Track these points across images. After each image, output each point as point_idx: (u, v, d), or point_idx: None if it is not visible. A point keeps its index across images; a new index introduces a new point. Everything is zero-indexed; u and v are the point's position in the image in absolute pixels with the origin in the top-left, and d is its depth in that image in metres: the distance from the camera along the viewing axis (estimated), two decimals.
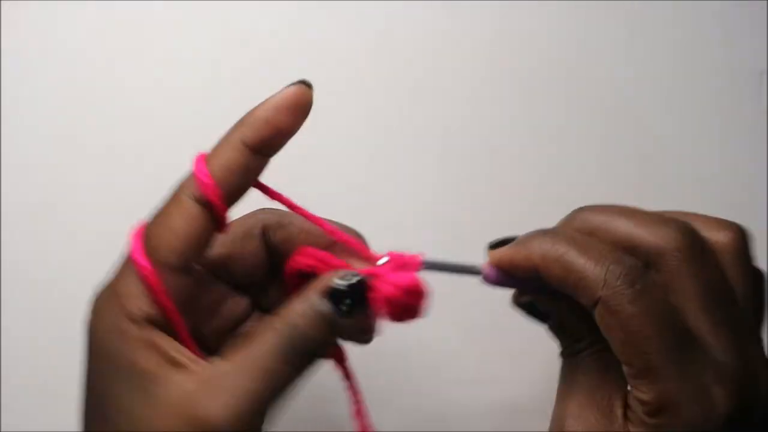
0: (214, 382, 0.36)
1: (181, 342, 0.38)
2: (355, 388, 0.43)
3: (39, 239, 0.58)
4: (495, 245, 0.40)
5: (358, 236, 0.43)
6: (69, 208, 0.58)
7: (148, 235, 0.38)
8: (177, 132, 0.59)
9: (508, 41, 0.62)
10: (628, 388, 0.37)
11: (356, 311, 0.38)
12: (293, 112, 0.39)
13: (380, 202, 0.61)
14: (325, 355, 0.39)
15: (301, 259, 0.40)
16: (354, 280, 0.38)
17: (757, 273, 0.40)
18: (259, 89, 0.60)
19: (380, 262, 0.40)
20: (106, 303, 0.38)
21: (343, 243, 0.41)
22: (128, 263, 0.38)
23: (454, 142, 0.61)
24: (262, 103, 0.39)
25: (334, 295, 0.38)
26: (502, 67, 0.62)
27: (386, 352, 0.58)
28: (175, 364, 0.36)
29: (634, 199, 0.62)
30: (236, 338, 0.42)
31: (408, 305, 0.39)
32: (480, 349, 0.60)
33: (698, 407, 0.35)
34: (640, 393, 0.36)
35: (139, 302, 0.37)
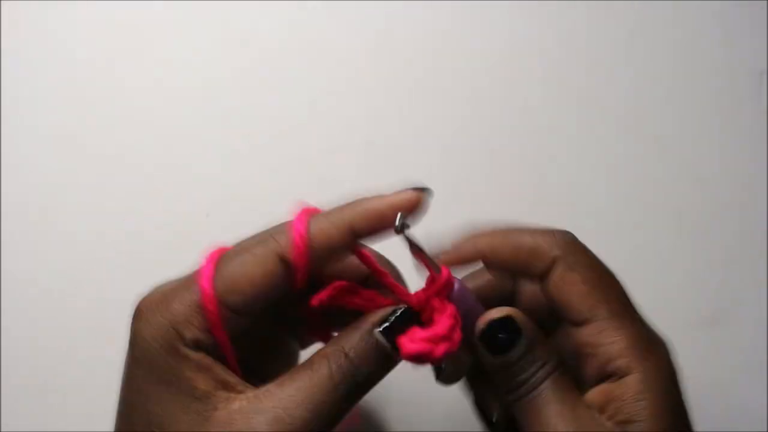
0: (267, 404, 0.36)
1: (231, 370, 0.38)
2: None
3: (39, 240, 0.58)
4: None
5: (396, 273, 0.43)
6: (69, 208, 0.58)
7: (222, 269, 0.38)
8: (177, 132, 0.59)
9: (508, 41, 0.62)
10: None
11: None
12: (404, 213, 0.39)
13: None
14: (374, 385, 0.39)
15: (343, 297, 0.39)
16: (408, 313, 0.39)
17: None
18: (258, 89, 0.60)
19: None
20: (158, 315, 0.37)
21: (385, 284, 0.40)
22: (194, 286, 0.38)
23: (453, 143, 0.61)
24: (382, 197, 0.39)
25: (387, 330, 0.38)
26: (502, 67, 0.62)
27: None
28: (228, 387, 0.37)
29: (634, 199, 0.62)
30: (283, 366, 0.42)
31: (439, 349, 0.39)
32: None
33: (664, 347, 0.39)
34: (607, 344, 0.38)
35: (196, 330, 0.37)
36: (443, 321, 0.39)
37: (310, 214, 0.39)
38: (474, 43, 0.62)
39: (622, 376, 0.38)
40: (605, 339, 0.38)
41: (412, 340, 0.38)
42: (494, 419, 0.42)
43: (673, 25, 0.63)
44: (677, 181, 0.62)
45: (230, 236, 0.40)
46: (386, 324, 0.38)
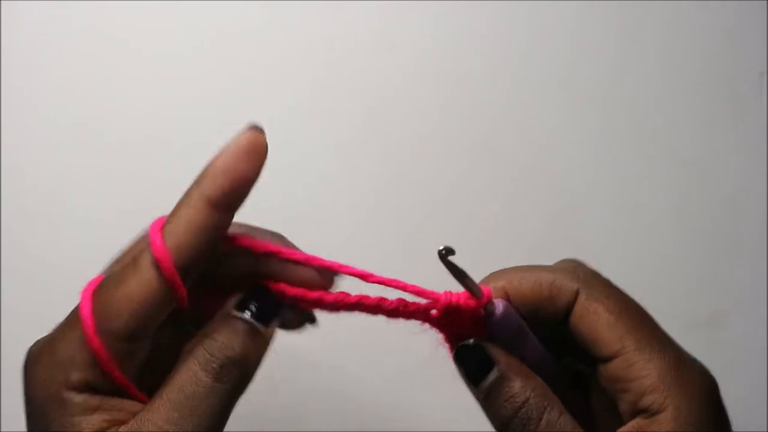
0: (146, 424, 0.35)
1: (131, 396, 0.37)
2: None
3: (39, 239, 0.58)
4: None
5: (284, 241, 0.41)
6: (69, 208, 0.58)
7: (100, 298, 0.36)
8: (177, 132, 0.59)
9: (509, 41, 0.62)
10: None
11: (270, 317, 0.38)
12: (250, 157, 0.37)
13: (380, 202, 0.61)
14: (256, 367, 0.38)
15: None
16: (261, 292, 0.38)
17: None
18: (259, 89, 0.60)
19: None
20: (46, 368, 0.37)
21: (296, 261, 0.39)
22: (74, 324, 0.36)
23: (453, 143, 0.61)
24: (216, 156, 0.37)
25: (244, 304, 0.37)
26: (502, 67, 0.62)
27: (380, 351, 0.58)
28: (116, 423, 0.36)
29: (633, 199, 0.62)
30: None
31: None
32: None
33: (700, 372, 0.37)
34: (637, 379, 0.36)
35: (83, 368, 0.36)
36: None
37: (163, 222, 0.37)
38: (474, 43, 0.62)
39: (655, 413, 0.36)
40: (635, 373, 0.36)
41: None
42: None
43: (673, 25, 0.63)
44: (677, 180, 0.62)
45: None
46: (246, 304, 0.37)
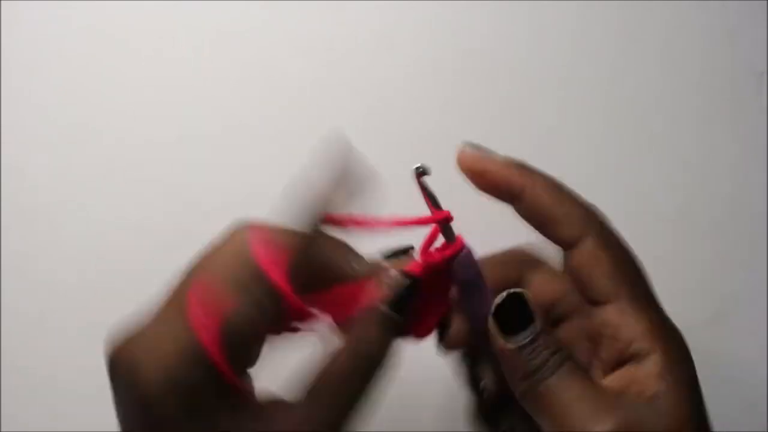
0: (296, 418, 0.36)
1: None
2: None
3: (39, 239, 0.58)
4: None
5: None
6: (69, 208, 0.58)
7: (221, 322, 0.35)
8: (177, 132, 0.59)
9: (508, 41, 0.62)
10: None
11: (406, 303, 0.38)
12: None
13: (380, 202, 0.61)
14: (391, 360, 0.39)
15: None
16: (407, 282, 0.39)
17: None
18: (259, 89, 0.60)
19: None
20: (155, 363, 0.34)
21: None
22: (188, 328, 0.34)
23: (453, 143, 0.61)
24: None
25: (393, 302, 0.38)
26: (501, 67, 0.62)
27: None
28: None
29: (633, 199, 0.62)
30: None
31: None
32: None
33: (680, 335, 0.39)
34: (629, 326, 0.37)
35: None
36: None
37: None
38: (474, 43, 0.62)
39: (643, 358, 0.37)
40: (627, 320, 0.38)
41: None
42: (481, 387, 0.42)
43: (673, 25, 0.63)
44: (676, 181, 0.62)
45: None
46: (392, 302, 0.38)
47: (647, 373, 0.37)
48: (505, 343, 0.38)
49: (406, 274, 0.39)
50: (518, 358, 0.38)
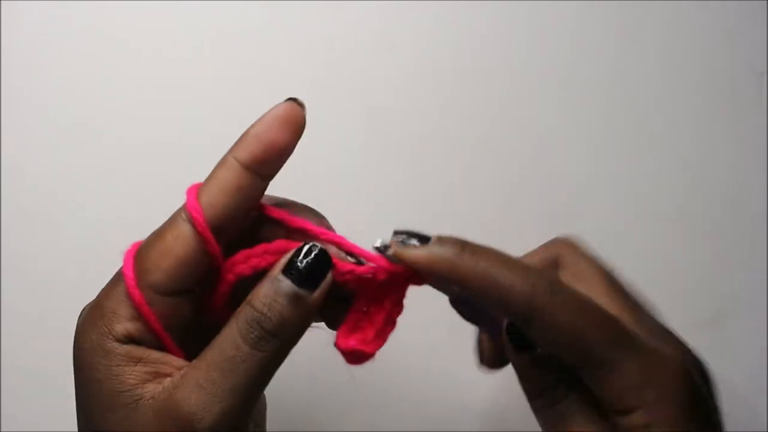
0: (189, 380, 0.37)
1: (171, 352, 0.38)
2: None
3: (39, 239, 0.58)
4: (400, 235, 0.39)
5: (318, 218, 0.42)
6: (69, 208, 0.58)
7: (141, 253, 0.38)
8: (177, 132, 0.59)
9: (508, 41, 0.62)
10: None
11: (316, 282, 0.38)
12: (284, 127, 0.39)
13: (380, 202, 0.61)
14: (299, 334, 0.38)
15: (250, 262, 0.39)
16: (315, 250, 0.38)
17: None
18: (259, 89, 0.60)
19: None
20: (91, 321, 0.38)
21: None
22: (119, 281, 0.38)
23: (452, 143, 0.61)
24: (254, 123, 0.39)
25: (293, 269, 0.38)
26: (501, 67, 0.62)
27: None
28: (159, 375, 0.37)
29: (633, 199, 0.62)
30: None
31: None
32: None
33: (672, 362, 0.37)
34: (608, 389, 0.36)
35: (125, 321, 0.37)
36: (377, 320, 0.39)
37: (200, 185, 0.39)
38: (474, 43, 0.62)
39: (628, 413, 0.37)
40: (604, 392, 0.37)
41: (346, 337, 0.39)
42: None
43: (673, 25, 0.63)
44: (677, 181, 0.62)
45: None
46: (293, 266, 0.38)
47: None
48: (517, 358, 0.39)
49: (318, 249, 0.38)
50: (530, 373, 0.39)
